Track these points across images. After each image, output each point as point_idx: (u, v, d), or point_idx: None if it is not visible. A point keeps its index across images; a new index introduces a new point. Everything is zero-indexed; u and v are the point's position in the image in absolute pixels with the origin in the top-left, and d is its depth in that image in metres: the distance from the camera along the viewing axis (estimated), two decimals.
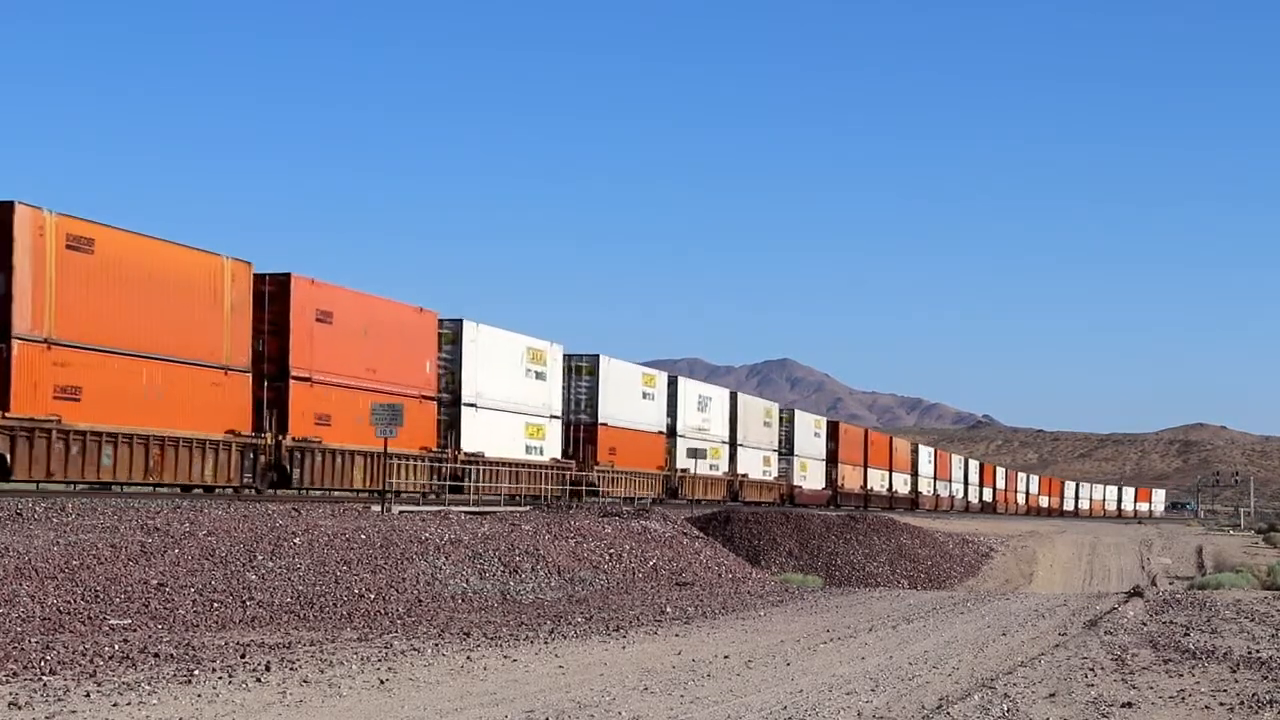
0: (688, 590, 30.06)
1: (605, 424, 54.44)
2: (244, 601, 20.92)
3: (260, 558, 23.37)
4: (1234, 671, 16.81)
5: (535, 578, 27.86)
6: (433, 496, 41.01)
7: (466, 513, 34.29)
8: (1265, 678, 16.28)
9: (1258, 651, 18.95)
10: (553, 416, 50.17)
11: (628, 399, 56.66)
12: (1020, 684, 15.27)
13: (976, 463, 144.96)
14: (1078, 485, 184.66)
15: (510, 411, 47.11)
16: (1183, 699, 14.60)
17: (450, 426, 43.69)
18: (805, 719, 12.92)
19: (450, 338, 43.81)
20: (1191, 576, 59.03)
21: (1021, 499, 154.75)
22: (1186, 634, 21.30)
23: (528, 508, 40.78)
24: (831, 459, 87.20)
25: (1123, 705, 14.01)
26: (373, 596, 23.10)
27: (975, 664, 17.29)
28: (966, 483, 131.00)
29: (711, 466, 65.67)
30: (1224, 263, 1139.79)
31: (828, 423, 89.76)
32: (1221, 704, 14.32)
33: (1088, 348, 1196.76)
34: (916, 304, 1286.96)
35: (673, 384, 63.15)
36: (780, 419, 79.19)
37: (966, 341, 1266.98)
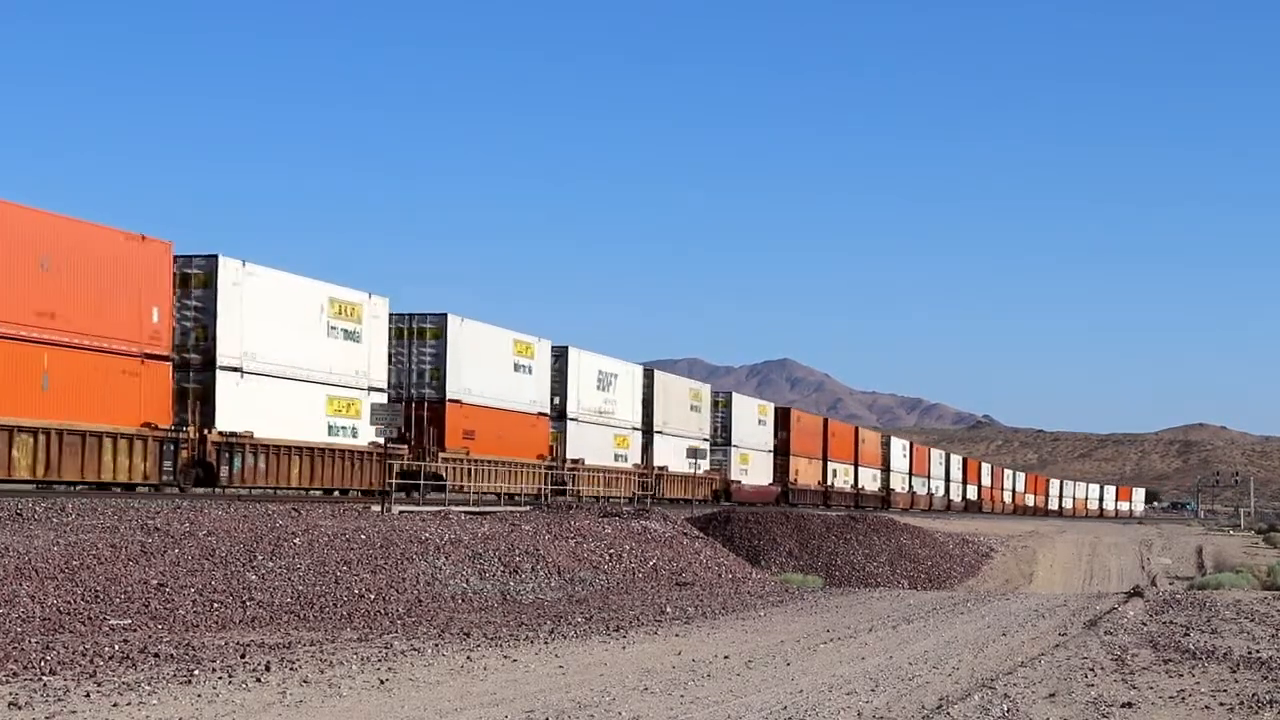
0: (688, 590, 30.06)
1: (458, 400, 44.71)
2: (244, 601, 20.92)
3: (260, 558, 23.38)
4: (1234, 671, 16.80)
5: (535, 578, 27.86)
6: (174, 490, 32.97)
7: (467, 513, 34.29)
8: (1265, 678, 16.28)
9: (1258, 651, 18.95)
10: (373, 389, 40.21)
11: (492, 371, 46.99)
12: (1020, 684, 15.27)
13: (959, 458, 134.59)
14: (1062, 484, 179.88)
15: (302, 380, 37.25)
16: (1183, 699, 14.60)
17: (200, 398, 34.20)
18: (805, 719, 12.92)
19: (202, 280, 34.43)
20: (1191, 576, 59.02)
21: (1008, 497, 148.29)
22: (1186, 634, 21.29)
23: (527, 507, 40.72)
24: (781, 450, 78.62)
25: (1123, 705, 14.01)
26: (373, 596, 23.10)
27: (975, 664, 17.29)
28: (948, 480, 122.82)
29: (617, 457, 58.09)
30: (1224, 263, 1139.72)
31: (776, 409, 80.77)
32: (1221, 704, 14.32)
33: (1088, 348, 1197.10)
34: (916, 304, 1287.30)
35: (561, 355, 53.37)
36: (715, 403, 71.26)
37: (966, 341, 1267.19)
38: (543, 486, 49.51)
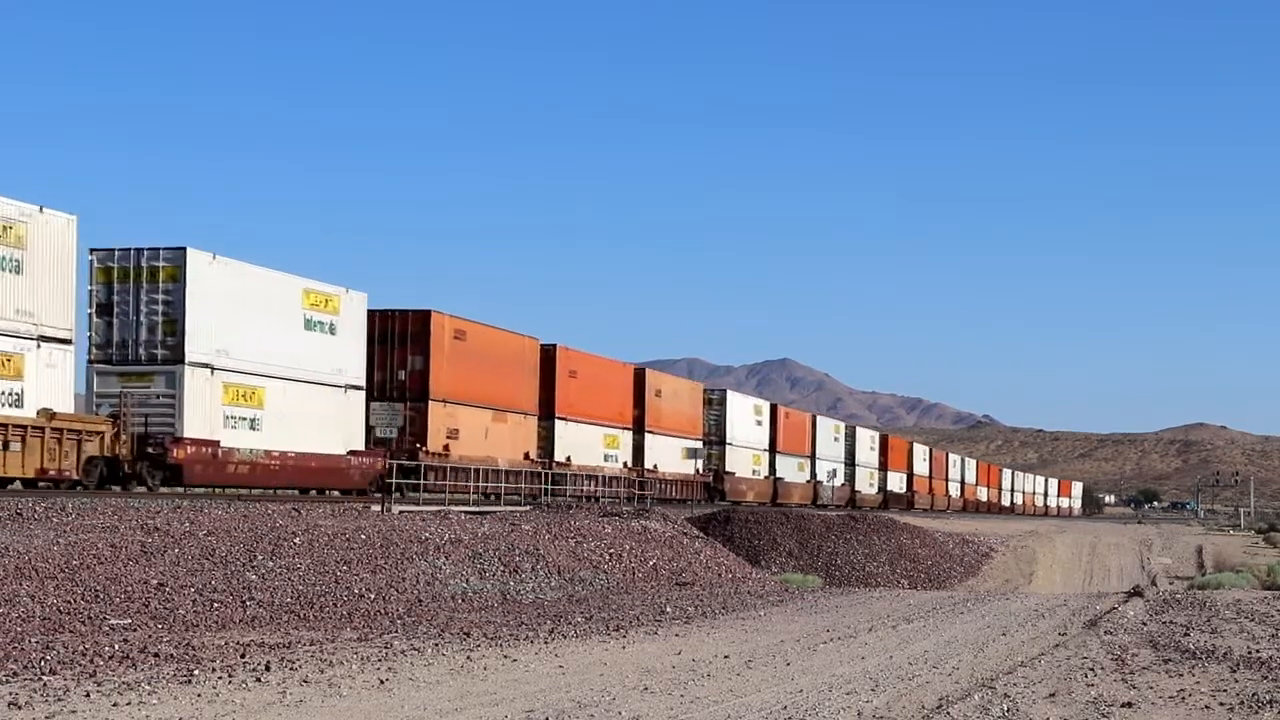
0: (688, 590, 30.05)
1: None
2: (244, 601, 20.91)
3: (260, 558, 23.37)
4: (1234, 671, 16.80)
5: (535, 578, 27.85)
6: None
7: (466, 512, 34.28)
8: (1265, 678, 16.28)
9: (1258, 651, 18.95)
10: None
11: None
12: (1020, 684, 15.27)
13: (873, 433, 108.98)
14: (1013, 475, 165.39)
15: None
16: (1183, 699, 14.60)
17: None
18: (805, 719, 12.91)
19: None
20: (1191, 576, 58.94)
21: (954, 489, 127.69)
22: (1186, 634, 21.29)
23: (527, 507, 40.73)
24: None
25: (1123, 705, 14.01)
26: (373, 596, 23.09)
27: (975, 664, 17.28)
28: (852, 464, 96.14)
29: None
30: (1224, 263, 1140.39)
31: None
32: (1221, 704, 14.32)
33: (1088, 348, 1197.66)
34: (916, 304, 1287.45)
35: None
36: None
37: (966, 341, 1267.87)
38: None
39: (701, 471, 67.67)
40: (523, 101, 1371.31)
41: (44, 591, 19.13)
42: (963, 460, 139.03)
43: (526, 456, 49.51)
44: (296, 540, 24.99)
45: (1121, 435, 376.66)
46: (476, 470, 44.39)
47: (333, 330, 38.87)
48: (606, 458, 56.95)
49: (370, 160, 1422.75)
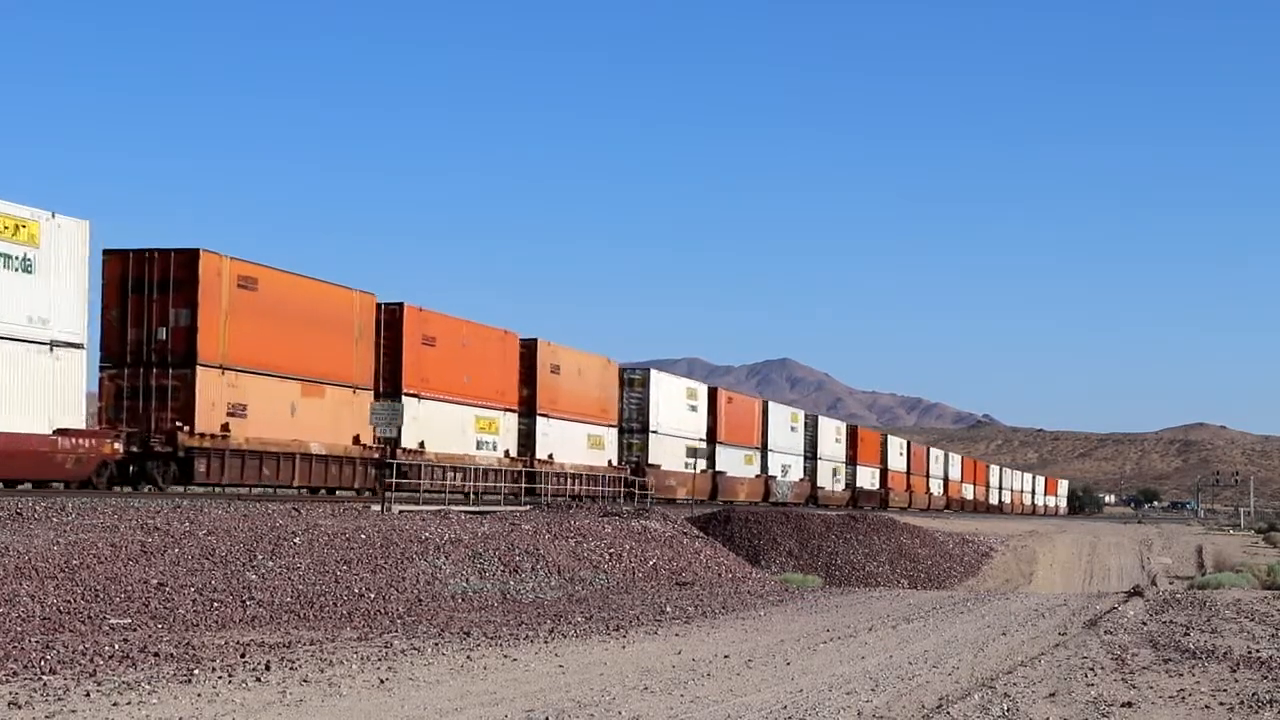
0: (688, 590, 30.04)
1: None
2: (244, 601, 20.91)
3: (260, 557, 23.37)
4: (1234, 671, 16.80)
5: (535, 577, 27.85)
6: None
7: (467, 512, 34.29)
8: (1265, 677, 16.28)
9: (1258, 651, 18.95)
10: None
11: None
12: (1020, 683, 15.26)
13: (839, 424, 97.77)
14: (1001, 471, 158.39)
15: None
16: (1183, 699, 14.60)
17: None
18: (805, 719, 12.91)
19: None
20: (1191, 576, 58.93)
21: (936, 486, 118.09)
22: (1186, 634, 21.29)
23: (528, 506, 40.62)
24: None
25: (1123, 705, 14.01)
26: (373, 596, 23.09)
27: (975, 664, 17.28)
28: (812, 457, 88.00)
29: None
30: (1224, 263, 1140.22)
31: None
32: (1221, 704, 14.32)
33: (1088, 348, 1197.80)
34: (916, 304, 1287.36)
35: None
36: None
37: (966, 341, 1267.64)
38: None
39: (617, 464, 58.37)
40: (523, 101, 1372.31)
41: (44, 591, 19.13)
42: (946, 455, 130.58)
43: (357, 440, 40.84)
44: (296, 540, 24.99)
45: (1121, 435, 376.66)
46: (278, 457, 36.97)
47: (27, 267, 29.43)
48: (480, 444, 48.12)
49: (370, 160, 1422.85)
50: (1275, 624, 23.41)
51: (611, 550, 32.30)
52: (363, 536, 26.55)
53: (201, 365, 34.71)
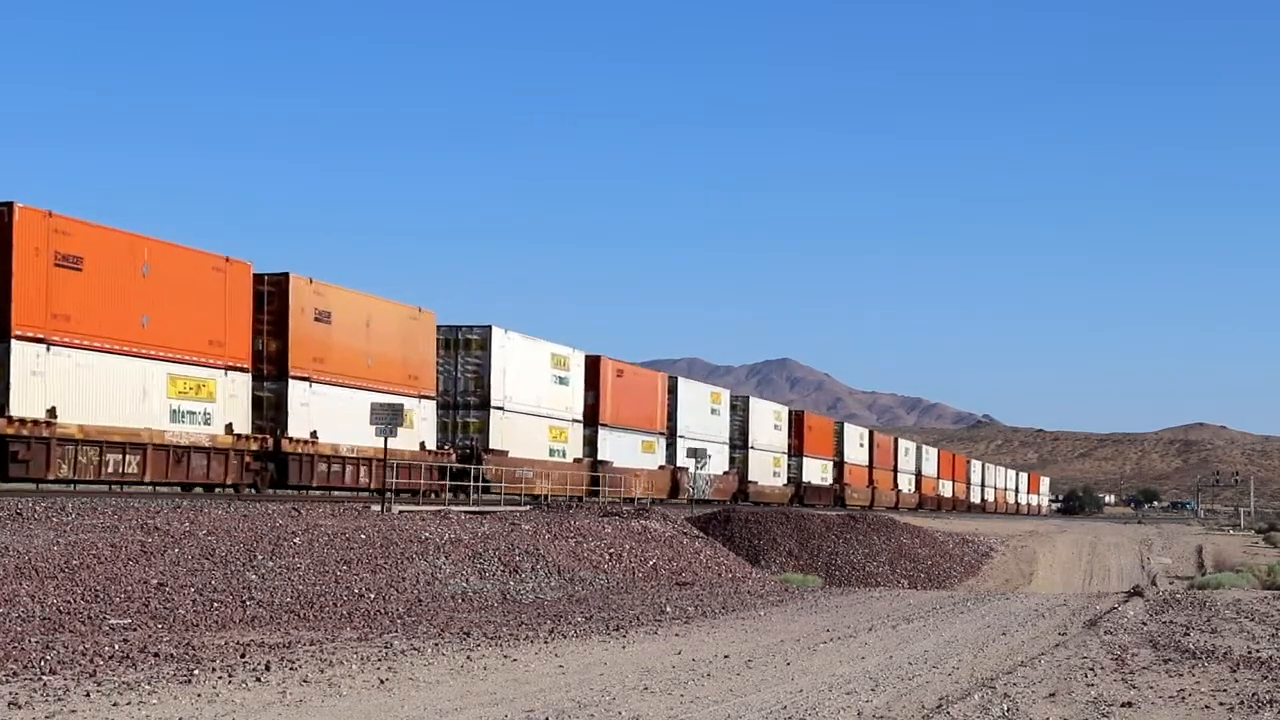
0: (688, 590, 30.04)
1: None
2: (244, 601, 20.91)
3: (260, 557, 23.37)
4: (1234, 671, 16.80)
5: (535, 577, 27.86)
6: None
7: (466, 512, 34.30)
8: (1265, 678, 16.28)
9: (1258, 651, 18.95)
10: None
11: None
12: (1020, 684, 15.27)
13: (778, 408, 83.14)
14: (984, 468, 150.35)
15: None
16: (1183, 699, 14.60)
17: None
18: (805, 719, 12.91)
19: None
20: (1191, 576, 58.95)
21: (906, 484, 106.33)
22: (1186, 634, 21.29)
23: (527, 506, 40.65)
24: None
25: (1123, 705, 14.01)
26: (373, 596, 23.09)
27: (975, 664, 17.28)
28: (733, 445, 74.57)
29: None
30: (1224, 262, 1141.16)
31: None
32: (1221, 704, 14.32)
33: (1088, 348, 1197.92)
34: (916, 304, 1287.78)
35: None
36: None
37: (966, 341, 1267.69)
38: None
39: (442, 449, 45.69)
40: (523, 101, 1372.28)
41: (44, 591, 19.13)
42: (918, 448, 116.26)
43: (229, 430, 34.94)
44: (296, 540, 25.00)
45: (1121, 435, 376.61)
46: (123, 447, 31.30)
47: None
48: (182, 416, 34.66)
49: (370, 160, 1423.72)
50: (1275, 624, 23.41)
51: (611, 550, 32.31)
52: (363, 537, 26.56)
53: (17, 339, 28.59)
